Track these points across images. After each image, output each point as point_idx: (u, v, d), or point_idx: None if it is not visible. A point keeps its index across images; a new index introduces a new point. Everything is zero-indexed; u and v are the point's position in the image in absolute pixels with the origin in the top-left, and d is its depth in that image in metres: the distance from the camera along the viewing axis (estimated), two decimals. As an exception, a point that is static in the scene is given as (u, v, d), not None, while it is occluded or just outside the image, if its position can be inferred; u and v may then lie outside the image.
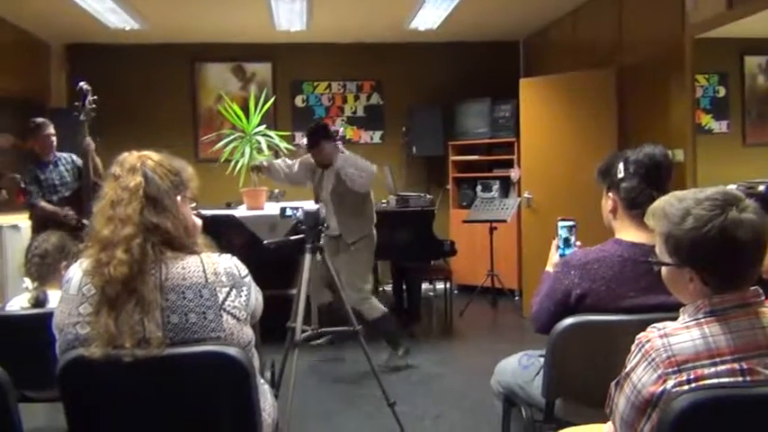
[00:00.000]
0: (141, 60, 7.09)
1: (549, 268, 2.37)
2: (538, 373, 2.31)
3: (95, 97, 4.45)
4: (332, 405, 4.05)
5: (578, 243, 2.40)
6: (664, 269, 1.62)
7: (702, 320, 1.52)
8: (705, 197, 1.52)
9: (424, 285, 6.54)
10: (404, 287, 6.14)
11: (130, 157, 1.85)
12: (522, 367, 2.44)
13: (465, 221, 6.48)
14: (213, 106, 7.10)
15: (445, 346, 5.41)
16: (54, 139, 4.93)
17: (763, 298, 1.55)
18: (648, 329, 1.55)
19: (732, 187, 5.72)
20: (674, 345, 1.49)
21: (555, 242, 2.40)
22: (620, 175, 2.19)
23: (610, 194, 2.24)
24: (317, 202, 4.80)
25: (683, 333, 1.51)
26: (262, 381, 2.06)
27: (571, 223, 2.40)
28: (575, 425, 2.05)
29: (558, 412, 2.23)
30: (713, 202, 1.50)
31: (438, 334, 5.87)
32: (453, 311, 6.29)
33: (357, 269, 4.64)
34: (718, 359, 1.46)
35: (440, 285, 6.78)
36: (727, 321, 1.50)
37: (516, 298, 6.64)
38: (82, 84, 4.40)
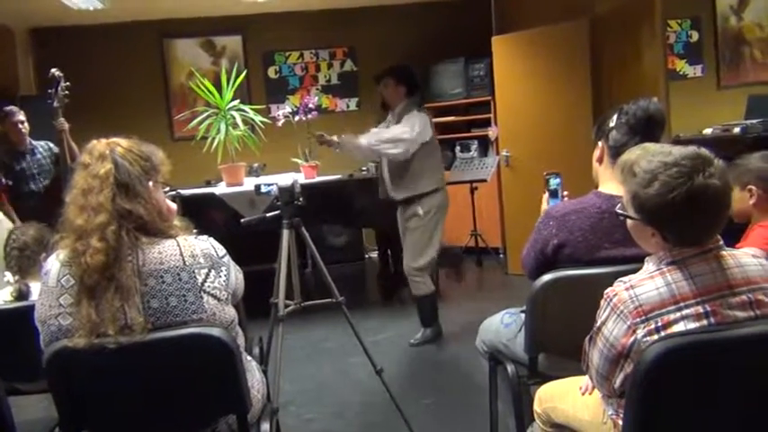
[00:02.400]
0: (108, 41, 6.96)
1: None
2: (520, 330, 2.36)
3: (68, 83, 4.38)
4: (324, 376, 4.10)
5: (566, 193, 2.45)
6: (629, 221, 1.67)
7: (665, 269, 1.57)
8: (673, 161, 1.54)
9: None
10: (389, 252, 6.18)
11: (99, 145, 1.84)
12: (504, 325, 2.48)
13: (445, 183, 6.49)
14: (185, 83, 7.00)
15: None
16: (24, 126, 4.87)
17: (721, 243, 1.60)
18: (615, 283, 1.60)
19: (707, 131, 5.80)
20: (641, 295, 1.54)
21: (545, 196, 2.45)
22: (612, 124, 2.22)
23: (599, 143, 2.27)
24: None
25: (647, 283, 1.56)
26: (249, 358, 2.08)
27: (558, 175, 2.45)
28: (559, 378, 2.10)
29: (542, 367, 2.28)
30: (680, 169, 1.52)
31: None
32: (439, 273, 6.34)
33: (422, 238, 4.44)
34: (682, 304, 1.52)
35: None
36: (688, 267, 1.55)
37: (501, 256, 6.70)
38: (54, 70, 4.32)
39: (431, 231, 4.47)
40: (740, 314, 1.53)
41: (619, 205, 1.72)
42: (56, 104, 4.35)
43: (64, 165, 4.47)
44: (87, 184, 1.78)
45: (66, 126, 4.46)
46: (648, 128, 2.20)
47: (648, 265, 1.62)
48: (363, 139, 4.40)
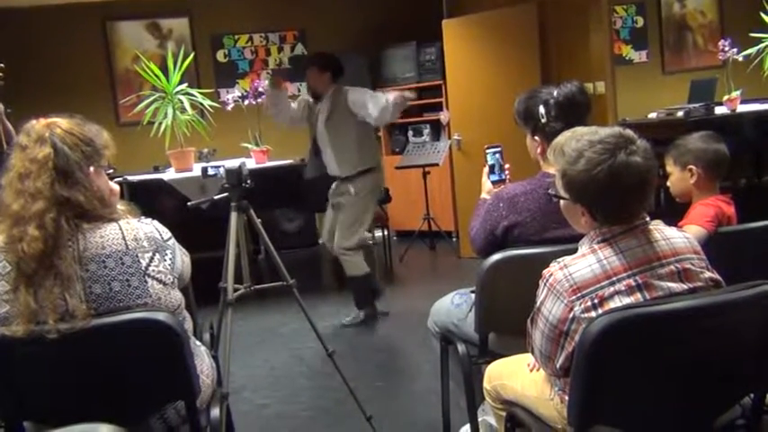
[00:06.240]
0: (49, 23, 6.71)
1: (485, 195, 2.45)
2: (470, 310, 2.38)
3: (2, 65, 4.22)
4: (278, 361, 4.08)
5: (507, 166, 2.49)
6: (562, 201, 1.73)
7: (596, 247, 1.63)
8: (599, 139, 1.61)
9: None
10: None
11: (38, 126, 1.77)
12: (455, 306, 2.50)
13: (398, 167, 6.51)
14: (130, 67, 6.81)
15: (387, 291, 5.44)
16: None
17: (647, 220, 1.67)
18: (551, 264, 1.64)
19: (652, 115, 5.93)
20: (574, 273, 1.60)
21: (485, 170, 2.47)
22: (543, 120, 2.25)
23: (536, 138, 2.30)
24: (313, 140, 4.70)
25: (580, 261, 1.62)
26: (198, 343, 2.05)
27: (498, 149, 2.48)
28: (508, 356, 2.12)
29: (493, 346, 2.31)
30: (604, 146, 1.59)
31: (379, 281, 5.91)
32: (393, 257, 6.36)
33: (351, 217, 4.51)
34: (614, 278, 1.58)
35: (378, 233, 6.82)
36: (618, 243, 1.62)
37: (453, 239, 6.74)
38: None
39: (361, 211, 4.57)
40: (673, 285, 1.60)
41: (551, 187, 1.77)
42: None
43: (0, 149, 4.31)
44: (25, 168, 1.71)
45: (1, 108, 4.29)
46: (579, 112, 2.25)
47: (581, 248, 1.69)
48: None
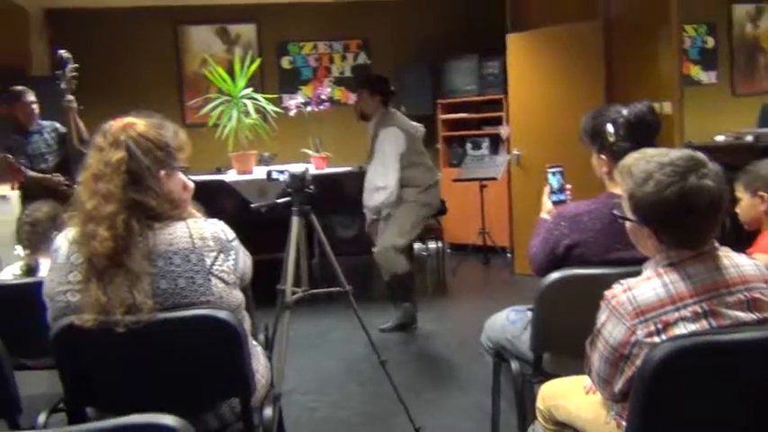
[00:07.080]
0: (123, 25, 6.97)
1: (544, 215, 2.43)
2: (526, 327, 2.35)
3: (76, 65, 4.39)
4: (329, 365, 4.11)
5: (569, 186, 2.46)
6: (628, 223, 1.69)
7: (662, 271, 1.59)
8: (669, 161, 1.57)
9: (417, 245, 6.56)
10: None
11: (115, 127, 1.80)
12: (510, 322, 2.48)
13: (455, 180, 6.48)
14: (198, 70, 7.01)
15: (439, 304, 5.46)
16: (35, 106, 4.88)
17: (716, 245, 1.62)
18: (614, 286, 1.61)
19: (720, 138, 5.77)
20: (638, 296, 1.56)
21: (546, 189, 2.45)
22: (611, 139, 2.22)
23: (602, 157, 2.27)
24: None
25: (645, 284, 1.58)
26: (254, 343, 2.08)
27: (559, 169, 2.45)
28: (562, 377, 2.09)
29: (547, 365, 2.28)
30: (674, 168, 1.55)
31: (432, 293, 5.90)
32: (446, 270, 6.34)
33: (401, 221, 4.58)
34: (680, 303, 1.54)
35: (432, 245, 6.80)
36: (685, 268, 1.57)
37: (508, 255, 6.68)
38: (61, 52, 4.33)
39: (414, 217, 4.61)
40: (741, 315, 1.55)
41: (616, 208, 1.74)
42: (63, 86, 4.35)
43: (71, 145, 4.48)
44: (99, 169, 1.76)
45: (75, 105, 4.46)
46: (648, 133, 2.21)
47: (647, 270, 1.64)
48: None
